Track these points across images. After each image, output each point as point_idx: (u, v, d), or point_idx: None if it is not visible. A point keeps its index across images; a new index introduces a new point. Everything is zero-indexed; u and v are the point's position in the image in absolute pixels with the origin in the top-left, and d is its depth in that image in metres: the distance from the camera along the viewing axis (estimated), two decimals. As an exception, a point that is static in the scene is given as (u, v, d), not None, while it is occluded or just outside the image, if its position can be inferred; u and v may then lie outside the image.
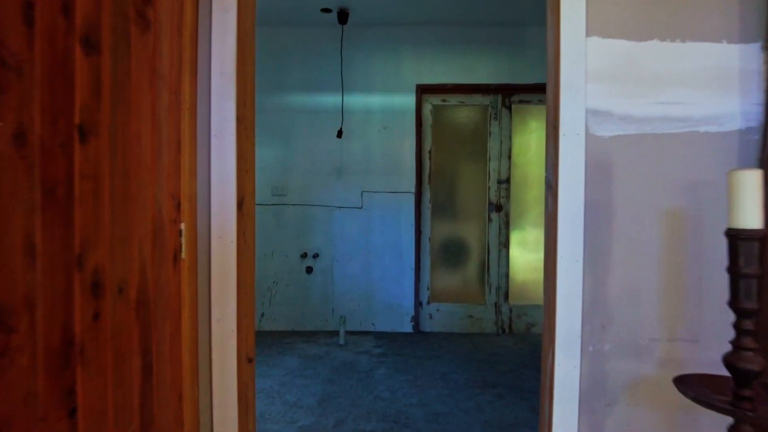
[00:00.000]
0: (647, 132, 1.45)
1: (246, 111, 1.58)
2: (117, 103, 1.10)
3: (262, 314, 4.42)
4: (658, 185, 1.46)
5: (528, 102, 4.37)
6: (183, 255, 1.44)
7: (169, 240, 1.38)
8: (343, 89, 4.28)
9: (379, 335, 4.29)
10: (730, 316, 1.11)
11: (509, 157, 4.39)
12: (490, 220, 4.40)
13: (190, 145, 1.49)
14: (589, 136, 1.45)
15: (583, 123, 1.45)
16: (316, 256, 4.39)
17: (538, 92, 4.31)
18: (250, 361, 1.64)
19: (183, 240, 1.44)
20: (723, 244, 1.11)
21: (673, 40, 1.44)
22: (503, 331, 4.41)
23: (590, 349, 1.48)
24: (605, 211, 1.46)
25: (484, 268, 4.45)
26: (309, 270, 4.39)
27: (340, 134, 4.19)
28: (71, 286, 0.92)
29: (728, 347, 1.11)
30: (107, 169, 1.07)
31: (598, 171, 1.46)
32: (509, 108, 4.36)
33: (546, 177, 1.57)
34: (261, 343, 4.04)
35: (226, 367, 1.52)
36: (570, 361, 1.47)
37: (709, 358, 1.42)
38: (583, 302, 1.46)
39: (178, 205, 1.43)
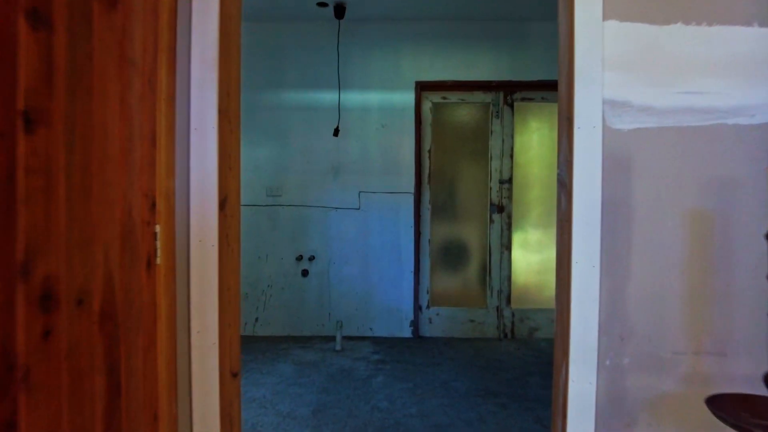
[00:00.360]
0: (670, 125, 1.32)
1: (230, 102, 1.45)
2: (75, 89, 0.97)
3: (256, 319, 4.28)
4: (682, 183, 1.33)
5: (530, 99, 4.24)
6: (158, 260, 1.31)
7: (141, 243, 1.24)
8: (339, 86, 4.15)
9: (377, 340, 4.15)
10: (764, 328, 0.98)
11: (511, 156, 4.26)
12: (491, 221, 4.27)
13: (167, 140, 1.35)
14: (606, 129, 1.32)
15: (599, 115, 1.32)
16: (312, 258, 4.25)
17: (541, 89, 4.19)
18: (234, 375, 1.50)
19: (158, 243, 1.31)
20: (754, 247, 0.98)
21: (698, 24, 1.32)
22: (505, 336, 4.28)
23: (607, 362, 1.35)
24: (624, 212, 1.33)
25: (485, 270, 4.32)
26: (305, 273, 4.26)
27: (336, 132, 4.05)
28: (12, 299, 0.79)
29: (761, 362, 0.98)
30: (63, 163, 0.93)
31: (615, 167, 1.33)
32: (511, 106, 4.24)
33: (558, 174, 1.44)
34: (255, 349, 3.91)
35: (208, 382, 1.39)
36: (585, 376, 1.34)
37: (740, 373, 1.29)
38: (599, 312, 1.33)
39: (153, 204, 1.30)
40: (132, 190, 1.20)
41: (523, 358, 3.78)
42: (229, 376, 1.47)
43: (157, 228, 1.31)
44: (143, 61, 1.22)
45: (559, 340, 1.41)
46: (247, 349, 3.91)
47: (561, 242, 1.40)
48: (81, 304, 0.98)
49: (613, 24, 1.32)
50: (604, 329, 1.33)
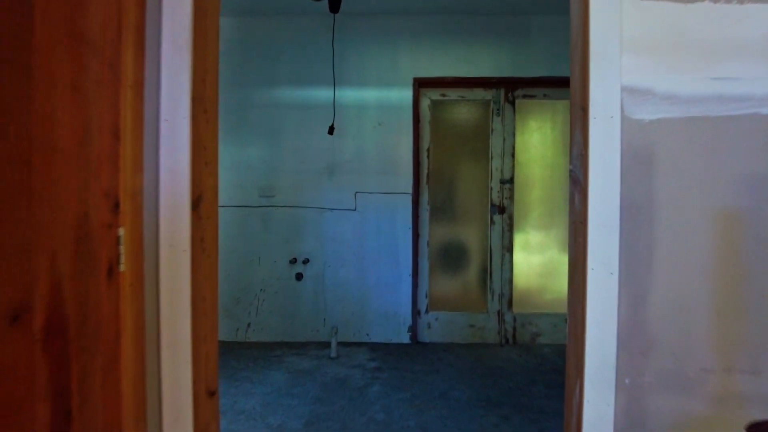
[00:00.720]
0: (697, 114, 1.18)
1: (206, 90, 1.31)
2: (7, 67, 0.82)
3: (249, 324, 4.13)
4: (711, 180, 1.19)
5: (533, 96, 4.10)
6: (122, 267, 1.16)
7: (101, 249, 1.10)
8: (335, 83, 4.00)
9: (374, 347, 4.00)
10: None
11: (512, 155, 4.11)
12: (492, 222, 4.12)
13: (133, 132, 1.21)
14: (625, 119, 1.18)
15: (618, 104, 1.18)
16: (306, 261, 4.10)
17: (544, 86, 4.05)
18: (211, 394, 1.36)
19: (122, 248, 1.16)
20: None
21: (728, 2, 1.18)
22: (506, 341, 4.13)
23: (627, 381, 1.20)
24: (645, 213, 1.19)
25: (486, 274, 4.17)
26: (299, 277, 4.11)
27: (331, 131, 3.91)
28: None
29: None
30: (-10, 154, 0.79)
31: (636, 162, 1.19)
32: (512, 103, 4.09)
33: (571, 171, 1.30)
34: (247, 356, 3.76)
35: (180, 403, 1.24)
36: (602, 396, 1.19)
37: (777, 394, 1.14)
38: (618, 324, 1.19)
39: (116, 205, 1.15)
40: (89, 188, 1.05)
41: (526, 366, 3.63)
42: (205, 395, 1.32)
43: (121, 231, 1.16)
44: (102, 40, 1.08)
45: (572, 356, 1.27)
46: (239, 356, 3.76)
47: (574, 246, 1.26)
48: (16, 321, 0.84)
49: (632, 2, 1.18)
50: (623, 344, 1.19)
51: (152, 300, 1.25)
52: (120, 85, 1.16)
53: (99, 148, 1.09)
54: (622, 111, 1.18)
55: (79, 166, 1.02)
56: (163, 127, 1.23)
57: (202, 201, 1.26)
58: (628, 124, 1.18)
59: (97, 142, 1.08)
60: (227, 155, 4.09)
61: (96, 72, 1.07)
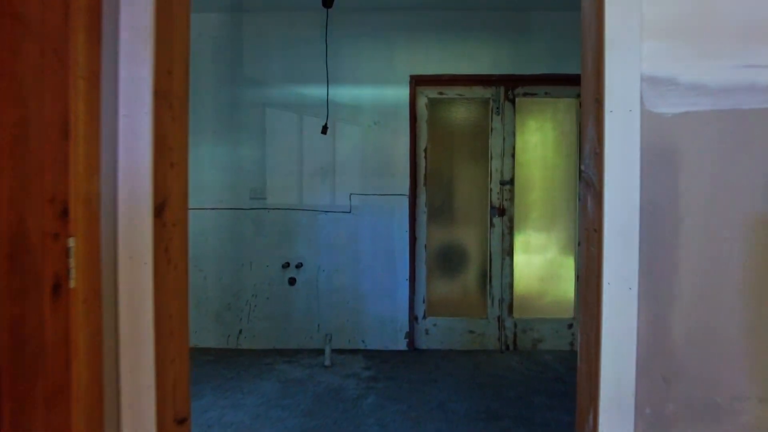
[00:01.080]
0: (727, 107, 1.04)
1: (172, 82, 1.16)
2: None
3: (240, 331, 3.98)
4: (743, 181, 1.05)
5: (533, 95, 3.96)
6: (73, 282, 1.02)
7: (43, 262, 0.95)
8: (328, 81, 3.85)
9: (370, 354, 3.85)
10: None
11: (513, 155, 3.97)
12: (492, 225, 3.98)
13: (87, 129, 1.06)
14: (645, 113, 1.04)
15: (637, 95, 1.03)
16: (299, 266, 3.95)
17: (545, 84, 3.91)
18: (181, 422, 1.21)
19: (73, 261, 1.01)
20: None
21: (763, -22, 1.04)
22: (507, 347, 3.99)
23: (647, 411, 1.06)
24: (668, 219, 1.05)
25: (485, 278, 4.03)
26: (292, 282, 3.96)
27: (325, 130, 3.76)
28: None
29: None
30: None
31: (658, 162, 1.05)
32: (512, 101, 3.95)
33: (582, 171, 1.15)
34: (238, 364, 3.61)
35: (141, 435, 1.09)
36: (620, 427, 1.05)
37: (820, 426, 1.00)
38: (638, 346, 1.04)
39: (65, 211, 1.01)
40: (27, 193, 0.91)
41: (527, 374, 3.49)
42: (172, 424, 1.18)
43: (72, 241, 1.01)
44: (42, 20, 0.93)
45: (584, 380, 1.13)
46: (230, 364, 3.61)
47: (587, 257, 1.12)
48: None
49: (654, -21, 1.04)
50: (643, 368, 1.05)
51: (111, 319, 1.10)
52: (69, 76, 1.01)
53: (41, 147, 0.95)
54: (642, 104, 1.04)
55: (12, 167, 0.87)
56: (122, 124, 1.09)
57: (166, 207, 1.12)
58: (648, 119, 1.04)
59: (36, 140, 0.93)
60: (217, 156, 3.95)
61: (35, 58, 0.92)
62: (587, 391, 1.10)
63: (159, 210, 1.10)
